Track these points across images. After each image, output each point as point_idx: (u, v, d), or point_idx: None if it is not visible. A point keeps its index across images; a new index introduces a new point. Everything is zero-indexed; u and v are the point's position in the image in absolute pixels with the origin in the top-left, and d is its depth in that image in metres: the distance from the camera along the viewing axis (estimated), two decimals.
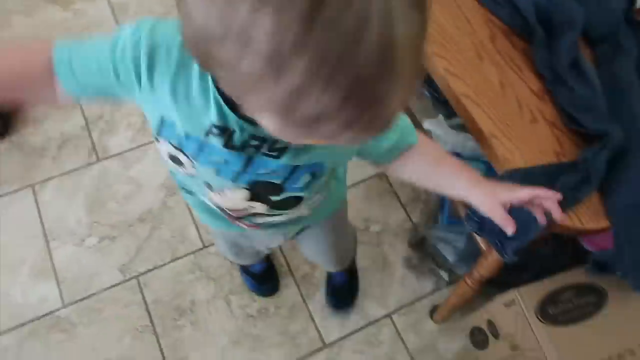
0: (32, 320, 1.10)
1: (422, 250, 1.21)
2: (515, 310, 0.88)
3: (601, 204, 0.76)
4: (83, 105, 1.33)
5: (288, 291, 1.17)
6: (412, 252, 1.22)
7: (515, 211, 0.76)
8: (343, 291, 1.16)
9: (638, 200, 0.73)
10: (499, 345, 0.98)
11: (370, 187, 1.29)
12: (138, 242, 1.19)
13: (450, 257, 1.10)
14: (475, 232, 0.82)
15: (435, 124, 1.24)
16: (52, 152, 1.28)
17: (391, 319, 1.16)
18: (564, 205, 0.73)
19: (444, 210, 1.16)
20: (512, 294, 0.87)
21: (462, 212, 0.97)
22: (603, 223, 0.75)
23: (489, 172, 1.19)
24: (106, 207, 1.23)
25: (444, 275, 1.17)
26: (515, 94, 0.84)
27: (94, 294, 1.14)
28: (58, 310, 1.12)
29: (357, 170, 1.30)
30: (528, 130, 0.81)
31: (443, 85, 0.87)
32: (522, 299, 0.86)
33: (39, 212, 1.21)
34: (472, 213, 0.80)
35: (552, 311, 0.84)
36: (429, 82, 1.33)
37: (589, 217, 0.75)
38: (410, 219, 1.26)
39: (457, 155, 1.23)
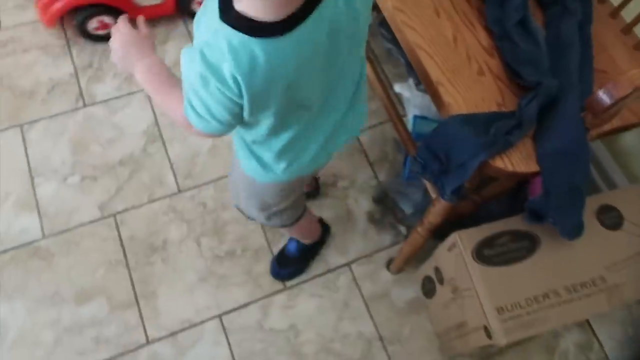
0: (13, 248, 1.18)
1: (384, 205, 1.27)
2: (455, 253, 0.94)
3: (534, 150, 0.82)
4: (73, 54, 1.40)
5: (255, 235, 1.24)
6: (375, 207, 1.28)
7: (454, 151, 0.83)
8: (284, 260, 1.21)
9: (563, 146, 0.79)
10: (443, 290, 1.05)
11: None
12: (118, 184, 1.26)
13: (407, 210, 1.16)
14: (420, 174, 0.88)
15: (404, 87, 1.30)
16: (42, 95, 1.34)
17: (350, 267, 1.22)
18: (497, 148, 0.80)
19: (405, 166, 1.22)
20: (454, 237, 0.93)
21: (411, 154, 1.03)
22: (533, 167, 0.81)
23: None
24: (89, 149, 1.29)
25: (402, 229, 1.23)
26: (466, 47, 0.90)
27: (73, 228, 1.21)
28: (38, 241, 1.19)
29: None
30: (474, 81, 0.87)
31: (400, 37, 0.93)
32: (462, 241, 0.92)
33: (25, 150, 1.28)
34: (418, 155, 0.86)
35: (487, 253, 0.91)
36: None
37: (520, 161, 0.81)
38: (377, 177, 1.32)
39: (423, 118, 1.29)
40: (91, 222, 1.22)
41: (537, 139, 0.81)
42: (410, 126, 1.26)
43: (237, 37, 0.54)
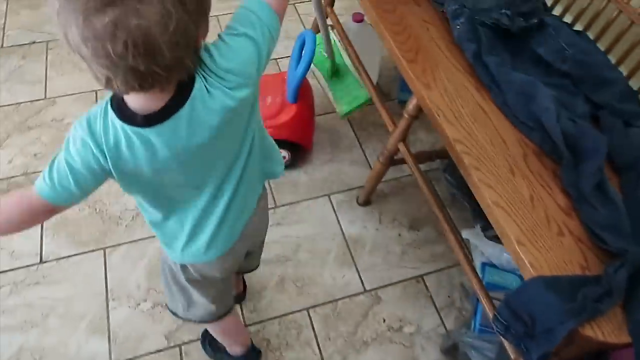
0: None
1: (454, 357, 1.22)
2: None
3: (624, 320, 0.79)
4: None
5: None
6: (444, 358, 1.23)
7: (540, 315, 0.81)
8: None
9: None
10: None
11: (406, 288, 1.34)
12: None
13: None
14: (501, 334, 0.86)
15: (472, 234, 1.31)
16: (127, 221, 1.45)
17: None
18: (586, 316, 0.78)
19: (476, 317, 1.19)
20: None
21: (490, 314, 1.01)
22: (624, 338, 0.78)
23: None
24: None
25: None
26: (544, 207, 0.92)
27: (139, 356, 1.22)
28: None
29: (395, 270, 1.37)
30: (555, 241, 0.88)
31: (478, 193, 0.97)
32: None
33: (105, 273, 1.35)
34: (499, 314, 0.85)
35: None
36: (470, 196, 1.43)
37: (611, 331, 0.78)
38: (444, 325, 1.28)
39: (493, 266, 1.28)
40: (157, 351, 1.23)
41: (627, 309, 0.79)
42: (479, 273, 1.25)
43: (115, 119, 0.65)
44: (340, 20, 1.61)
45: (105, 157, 0.66)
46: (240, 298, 1.30)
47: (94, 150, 0.66)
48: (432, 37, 1.22)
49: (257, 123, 0.80)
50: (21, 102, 1.71)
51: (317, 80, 1.63)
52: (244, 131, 0.76)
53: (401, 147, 1.30)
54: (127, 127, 0.65)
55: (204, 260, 0.85)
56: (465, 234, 1.35)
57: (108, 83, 0.59)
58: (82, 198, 0.71)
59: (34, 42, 1.92)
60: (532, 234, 0.88)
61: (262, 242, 1.08)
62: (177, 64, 0.60)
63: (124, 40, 0.53)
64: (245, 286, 1.31)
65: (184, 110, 0.65)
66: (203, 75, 0.66)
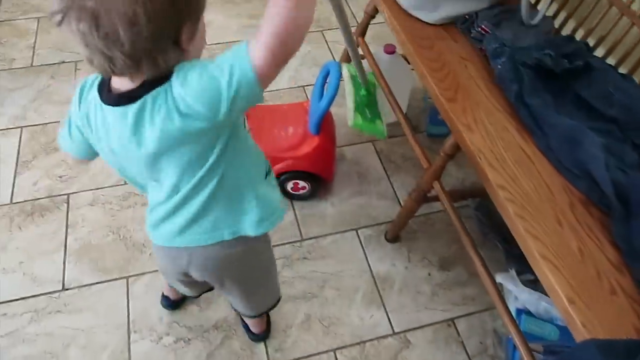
0: None
1: None
2: None
3: None
4: None
5: None
6: None
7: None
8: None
9: None
10: None
11: (437, 332, 1.30)
12: (209, 349, 1.25)
13: None
14: None
15: (507, 279, 1.27)
16: (150, 249, 1.42)
17: None
18: None
19: None
20: None
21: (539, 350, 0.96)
22: None
23: (563, 335, 1.18)
24: (187, 308, 1.32)
25: None
26: (594, 262, 0.88)
27: None
28: None
29: (425, 312, 1.33)
30: (607, 300, 0.83)
31: (523, 245, 0.92)
32: None
33: (128, 303, 1.32)
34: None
35: None
36: (502, 236, 1.39)
37: None
38: None
39: (529, 313, 1.23)
40: None
41: None
42: None
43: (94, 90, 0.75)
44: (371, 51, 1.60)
45: (81, 119, 0.77)
46: (264, 336, 1.27)
47: (77, 110, 0.77)
48: (470, 75, 1.20)
49: (229, 175, 0.77)
50: (48, 123, 1.71)
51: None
52: (192, 164, 0.74)
53: (436, 185, 1.27)
54: (97, 99, 0.73)
55: (151, 238, 0.90)
56: (499, 277, 1.30)
57: (91, 63, 0.66)
58: (80, 152, 0.85)
59: (63, 62, 1.93)
60: (583, 291, 0.84)
61: (240, 284, 1.00)
62: (144, 56, 0.64)
63: (81, 19, 0.60)
64: (269, 324, 1.28)
65: (135, 106, 0.68)
66: (166, 87, 0.67)
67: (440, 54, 1.24)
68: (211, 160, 0.74)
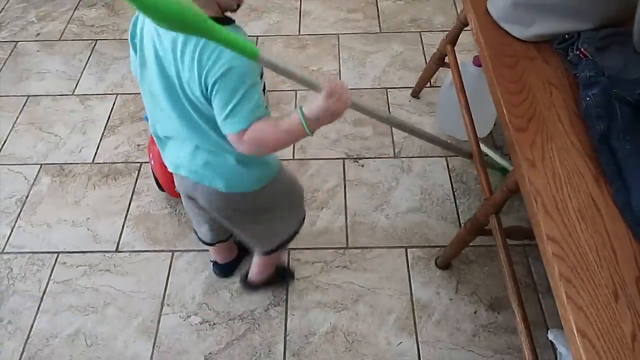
0: None
1: None
2: None
3: None
4: None
5: None
6: None
7: None
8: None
9: None
10: None
11: None
12: (230, 337, 1.26)
13: None
14: None
15: (560, 337, 1.11)
16: None
17: None
18: None
19: None
20: None
21: None
22: None
23: None
24: (219, 294, 1.34)
25: None
26: None
27: None
28: None
29: (461, 352, 1.21)
30: None
31: (563, 313, 0.79)
32: None
33: (168, 276, 1.37)
34: None
35: None
36: None
37: None
38: None
39: None
40: None
41: None
42: None
43: None
44: (460, 60, 1.47)
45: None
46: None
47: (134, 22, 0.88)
48: (553, 103, 1.04)
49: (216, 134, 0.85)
50: (139, 93, 1.82)
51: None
52: (185, 107, 0.83)
53: (492, 220, 1.14)
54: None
55: (172, 169, 0.98)
56: (552, 334, 1.14)
57: None
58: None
59: None
60: None
61: (236, 224, 1.07)
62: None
63: None
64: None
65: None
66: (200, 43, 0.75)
67: (523, 75, 1.10)
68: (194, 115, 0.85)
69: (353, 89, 1.81)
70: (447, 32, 2.00)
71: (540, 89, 1.07)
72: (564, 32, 1.14)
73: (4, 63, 1.97)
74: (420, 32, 2.02)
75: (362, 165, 1.58)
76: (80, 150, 1.66)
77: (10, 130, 1.73)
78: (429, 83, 1.74)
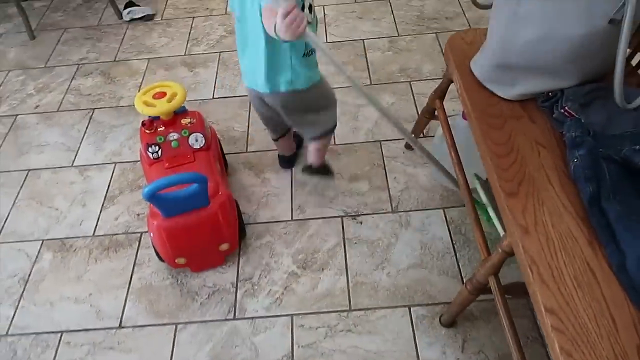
0: None
1: None
2: None
3: None
4: (240, 263, 1.52)
5: None
6: None
7: None
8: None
9: None
10: None
11: None
12: None
13: None
14: None
15: None
16: (202, 298, 1.46)
17: None
18: None
19: None
20: None
21: None
22: None
23: None
24: None
25: None
26: None
27: None
28: None
29: None
30: None
31: None
32: None
33: (172, 350, 1.36)
34: None
35: None
36: None
37: None
38: None
39: None
40: None
41: None
42: None
43: None
44: (452, 108, 1.50)
45: None
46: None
47: None
48: (542, 163, 1.06)
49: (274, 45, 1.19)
50: (137, 161, 1.86)
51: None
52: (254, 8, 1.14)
53: (491, 280, 1.14)
54: None
55: (245, 84, 1.38)
56: None
57: None
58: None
59: None
60: None
61: (294, 116, 1.42)
62: None
63: None
64: (328, 169, 1.68)
65: None
66: None
67: (511, 136, 1.12)
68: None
69: (347, 143, 1.84)
70: (436, 80, 2.06)
71: (529, 150, 1.09)
72: (547, 90, 1.16)
73: (4, 138, 2.01)
74: (410, 81, 2.06)
75: (361, 222, 1.59)
76: (80, 224, 1.68)
77: (12, 207, 1.75)
78: (422, 134, 1.77)
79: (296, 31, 0.99)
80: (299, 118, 1.42)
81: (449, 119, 1.51)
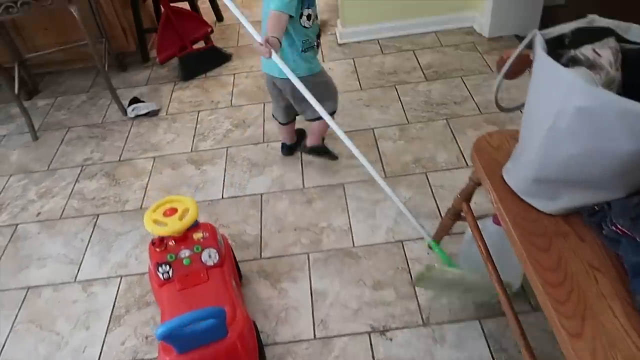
0: None
1: None
2: None
3: None
4: None
5: None
6: None
7: None
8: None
9: None
10: None
11: None
12: None
13: None
14: None
15: None
16: None
17: None
18: None
19: None
20: None
21: None
22: None
23: None
24: None
25: None
26: None
27: None
28: None
29: None
30: None
31: None
32: None
33: None
34: None
35: None
36: None
37: None
38: None
39: None
40: None
41: None
42: None
43: None
44: (477, 216, 1.41)
45: None
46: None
47: None
48: (601, 292, 0.95)
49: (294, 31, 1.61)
50: (144, 273, 1.75)
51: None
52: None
53: None
54: None
55: (263, 69, 1.79)
56: None
57: None
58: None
59: None
60: None
61: (298, 100, 1.75)
62: None
63: None
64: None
65: None
66: None
67: (561, 259, 1.02)
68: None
69: (367, 245, 1.74)
70: (452, 170, 1.99)
71: (584, 276, 0.98)
72: (592, 204, 1.08)
73: (4, 251, 1.91)
74: (425, 172, 1.99)
75: (391, 339, 1.45)
76: (84, 350, 1.54)
77: (10, 332, 1.62)
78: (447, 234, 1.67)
79: (268, 53, 1.47)
80: (300, 100, 1.71)
81: (477, 221, 1.42)
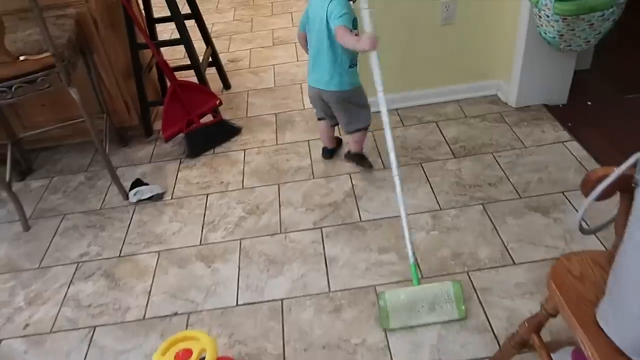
0: None
1: None
2: None
3: None
4: None
5: None
6: None
7: None
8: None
9: None
10: None
11: None
12: None
13: None
14: None
15: None
16: None
17: None
18: None
19: None
20: None
21: None
22: None
23: None
24: None
25: None
26: None
27: None
28: None
29: None
30: None
31: None
32: None
33: None
34: None
35: None
36: None
37: None
38: None
39: None
40: None
41: None
42: None
43: None
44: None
45: None
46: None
47: None
48: None
49: (331, 48, 1.91)
50: None
51: None
52: (322, 31, 1.88)
53: None
54: None
55: (309, 83, 2.08)
56: None
57: None
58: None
59: (175, 314, 1.76)
60: None
61: (340, 110, 2.10)
62: None
63: None
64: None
65: None
66: None
67: None
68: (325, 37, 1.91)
69: None
70: (497, 269, 1.76)
71: None
72: None
73: None
74: (467, 271, 1.76)
75: None
76: None
77: None
78: None
79: (374, 47, 1.73)
80: (342, 111, 2.07)
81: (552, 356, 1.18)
